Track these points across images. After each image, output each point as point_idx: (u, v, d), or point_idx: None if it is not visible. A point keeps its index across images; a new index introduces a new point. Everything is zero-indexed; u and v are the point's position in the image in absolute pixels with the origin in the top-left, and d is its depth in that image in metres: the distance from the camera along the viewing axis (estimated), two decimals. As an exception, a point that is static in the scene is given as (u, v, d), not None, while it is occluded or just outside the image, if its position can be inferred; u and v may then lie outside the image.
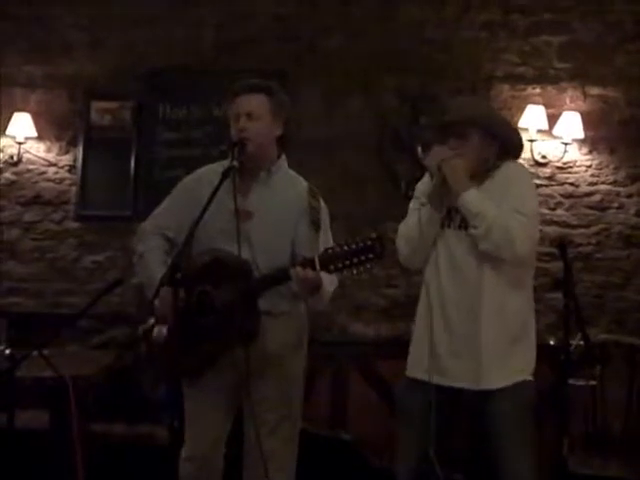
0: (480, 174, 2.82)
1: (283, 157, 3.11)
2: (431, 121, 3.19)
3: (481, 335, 2.71)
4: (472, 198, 2.74)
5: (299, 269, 2.70)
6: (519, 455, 2.65)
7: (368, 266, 2.68)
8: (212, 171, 3.07)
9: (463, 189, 2.75)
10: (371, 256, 2.65)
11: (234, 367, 2.91)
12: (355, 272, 2.69)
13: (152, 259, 3.03)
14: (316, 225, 2.87)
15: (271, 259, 2.89)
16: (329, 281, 2.82)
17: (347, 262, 2.66)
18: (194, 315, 2.88)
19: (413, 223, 2.86)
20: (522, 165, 3.04)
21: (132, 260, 3.15)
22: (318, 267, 2.68)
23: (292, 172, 3.13)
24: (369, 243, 2.65)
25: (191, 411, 3.04)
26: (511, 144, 2.90)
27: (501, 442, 2.68)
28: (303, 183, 3.07)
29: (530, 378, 2.77)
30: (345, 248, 2.67)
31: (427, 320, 2.81)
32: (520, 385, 2.72)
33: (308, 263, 2.70)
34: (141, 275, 3.08)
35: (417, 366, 2.85)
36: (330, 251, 2.69)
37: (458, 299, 2.77)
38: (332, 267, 2.68)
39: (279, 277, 2.81)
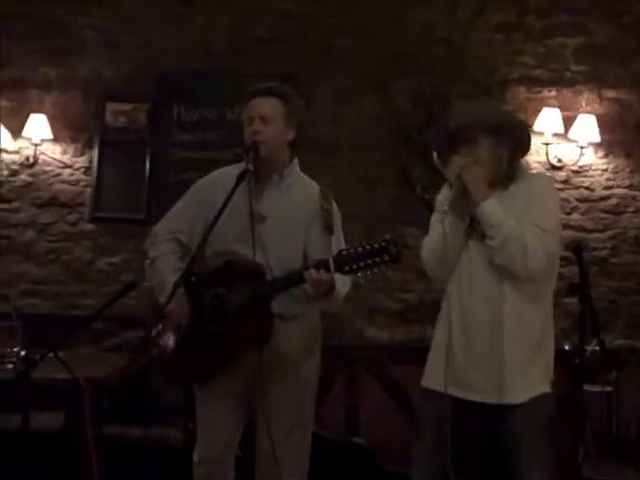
0: (503, 178, 2.78)
1: (295, 161, 3.11)
2: (437, 132, 3.13)
3: (504, 348, 2.66)
4: (491, 209, 2.70)
5: (313, 271, 2.71)
6: (535, 471, 2.62)
7: (383, 268, 2.67)
8: (226, 174, 3.08)
9: (483, 198, 2.71)
10: (386, 258, 2.64)
11: (246, 371, 2.91)
12: (369, 274, 2.68)
13: (164, 265, 3.03)
14: (329, 228, 2.87)
15: (284, 262, 2.89)
16: (342, 283, 2.82)
17: (362, 264, 2.65)
18: (207, 318, 2.88)
19: (437, 234, 2.81)
20: (550, 178, 3.00)
21: (145, 263, 3.16)
22: (332, 269, 2.68)
23: (304, 175, 3.14)
24: (384, 245, 2.64)
25: (202, 415, 3.04)
26: (520, 136, 2.84)
27: (518, 458, 2.65)
28: (315, 186, 3.07)
29: (548, 390, 2.73)
30: (360, 250, 2.66)
31: (446, 331, 2.77)
32: (539, 399, 2.68)
33: (322, 265, 2.70)
34: (152, 280, 3.08)
35: (434, 376, 2.79)
36: (345, 252, 2.68)
37: (479, 311, 2.72)
38: (347, 268, 2.68)
39: (293, 279, 2.81)
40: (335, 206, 3.00)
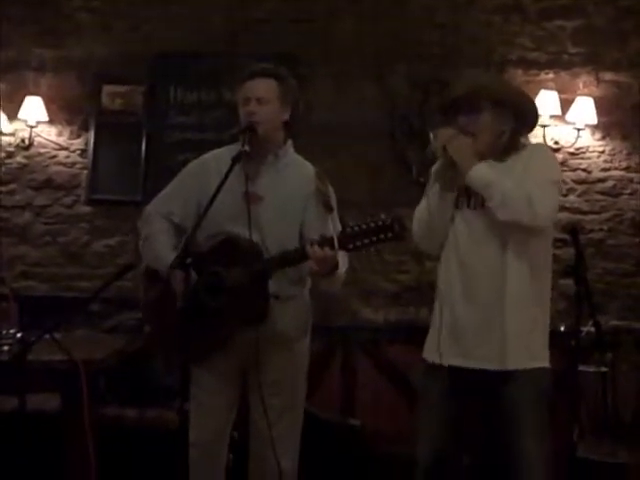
0: (501, 150, 2.76)
1: (289, 142, 3.11)
2: (438, 101, 3.09)
3: (506, 317, 2.66)
4: (481, 172, 2.67)
5: (317, 248, 2.69)
6: (533, 438, 2.62)
7: (387, 243, 2.66)
8: (218, 156, 3.09)
9: (470, 166, 2.69)
10: (390, 235, 2.63)
11: (240, 351, 2.93)
12: (373, 249, 2.68)
13: (158, 241, 3.04)
14: (328, 207, 2.86)
15: (280, 242, 2.90)
16: (342, 262, 2.82)
17: (366, 241, 2.65)
18: (204, 296, 2.88)
19: (424, 205, 2.81)
20: (545, 146, 2.99)
21: (138, 243, 3.16)
22: (337, 245, 2.67)
23: (299, 156, 3.14)
24: (388, 222, 2.63)
25: (196, 396, 3.05)
26: (525, 112, 2.80)
27: (514, 426, 2.65)
28: (310, 167, 3.07)
29: (547, 365, 2.74)
30: (364, 227, 2.65)
31: (448, 302, 2.76)
32: (538, 371, 2.69)
33: (326, 242, 2.69)
34: (148, 257, 3.09)
35: (435, 349, 2.76)
36: (349, 230, 2.67)
37: (481, 281, 2.71)
38: (351, 246, 2.67)
39: (295, 256, 2.80)
40: (330, 187, 3.00)
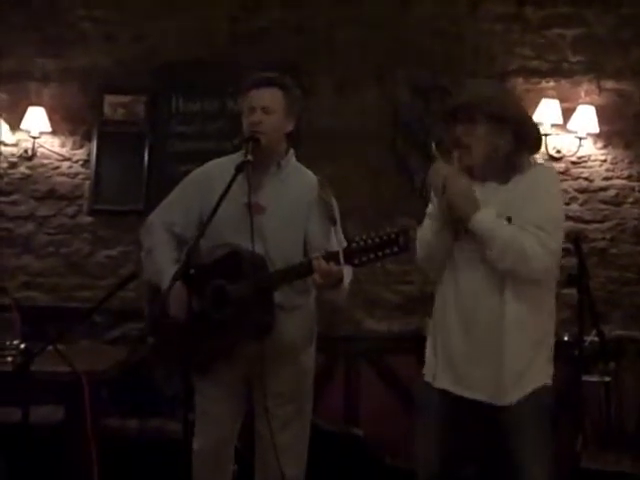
0: (501, 171, 2.68)
1: (291, 151, 3.11)
2: (440, 108, 3.05)
3: (504, 351, 2.62)
4: (483, 220, 2.60)
5: (323, 262, 2.68)
6: (534, 464, 2.59)
7: (392, 257, 2.65)
8: (220, 165, 3.09)
9: (472, 211, 2.61)
10: (396, 249, 2.61)
11: (245, 362, 2.92)
12: (379, 264, 2.68)
13: (160, 255, 3.04)
14: (332, 219, 2.86)
15: (284, 252, 2.89)
16: (347, 274, 2.81)
17: (372, 255, 2.64)
18: (209, 309, 2.88)
19: (426, 228, 2.77)
20: (553, 170, 2.87)
21: (140, 255, 3.16)
22: (342, 261, 2.67)
23: (301, 165, 3.13)
24: (393, 237, 2.61)
25: (200, 406, 3.05)
26: (525, 131, 2.71)
27: (516, 452, 2.62)
28: (312, 176, 3.07)
29: (548, 382, 2.69)
30: (369, 242, 2.64)
31: (444, 329, 2.74)
32: (537, 393, 2.65)
33: (332, 257, 2.69)
34: (150, 271, 3.08)
35: (434, 373, 2.77)
36: (354, 245, 2.66)
37: (479, 312, 2.66)
38: (356, 261, 2.66)
39: (300, 270, 2.79)
40: (333, 196, 2.99)
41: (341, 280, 2.75)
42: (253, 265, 2.86)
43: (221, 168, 3.05)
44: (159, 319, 2.96)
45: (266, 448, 2.98)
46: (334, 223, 2.84)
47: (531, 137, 2.75)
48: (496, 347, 2.63)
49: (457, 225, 2.69)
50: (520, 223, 2.60)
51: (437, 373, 2.75)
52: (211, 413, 3.03)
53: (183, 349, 2.76)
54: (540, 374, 2.69)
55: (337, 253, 2.68)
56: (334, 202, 2.95)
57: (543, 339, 2.71)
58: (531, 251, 2.55)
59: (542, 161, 4.85)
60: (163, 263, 3.00)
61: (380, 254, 2.63)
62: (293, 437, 3.01)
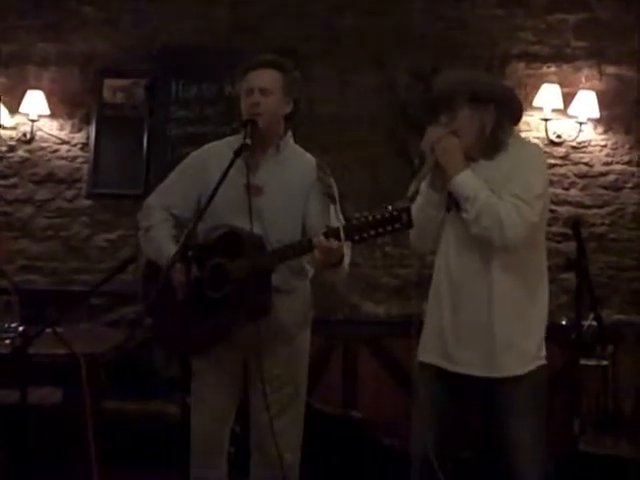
0: (487, 147, 2.71)
1: (289, 133, 3.09)
2: (422, 101, 3.09)
3: (494, 324, 2.65)
4: (464, 181, 2.64)
5: (323, 239, 2.67)
6: (527, 441, 2.62)
7: (394, 234, 2.63)
8: (217, 148, 3.08)
9: (456, 171, 2.66)
10: (398, 226, 2.58)
11: (242, 345, 2.92)
12: (379, 239, 2.65)
13: (159, 232, 3.03)
14: (331, 198, 2.84)
15: (283, 233, 2.88)
16: (345, 254, 2.79)
17: (372, 232, 2.61)
18: (207, 287, 2.87)
19: (417, 205, 2.79)
20: (537, 146, 2.91)
21: (138, 235, 3.16)
22: (343, 237, 2.64)
23: (299, 148, 3.12)
24: (396, 214, 2.58)
25: (197, 390, 3.05)
26: (507, 103, 2.74)
27: (510, 429, 2.65)
28: (311, 158, 3.05)
29: (542, 362, 2.71)
30: (370, 218, 2.61)
31: (438, 306, 2.78)
32: (534, 372, 2.67)
33: (332, 233, 2.66)
34: (148, 249, 3.07)
35: (426, 350, 2.83)
36: (355, 221, 2.63)
37: (468, 286, 2.70)
38: (357, 237, 2.63)
39: (302, 248, 2.77)
40: (332, 178, 2.98)
41: (341, 259, 2.74)
42: (252, 244, 2.85)
43: (218, 151, 3.04)
44: (156, 300, 2.96)
45: (263, 433, 2.98)
46: (334, 201, 2.83)
47: (512, 106, 2.78)
48: (486, 322, 2.66)
49: (445, 187, 2.71)
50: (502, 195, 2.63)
51: (430, 349, 2.79)
52: (208, 397, 3.02)
53: (180, 329, 2.76)
54: (533, 352, 2.70)
55: (337, 229, 2.65)
56: (333, 183, 2.94)
57: (533, 314, 2.72)
58: (507, 218, 2.57)
59: (542, 145, 4.86)
60: (162, 239, 3.00)
61: (381, 230, 2.60)
62: (289, 420, 3.01)
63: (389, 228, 2.59)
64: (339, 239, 2.65)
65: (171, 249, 2.84)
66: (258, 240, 2.86)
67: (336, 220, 2.77)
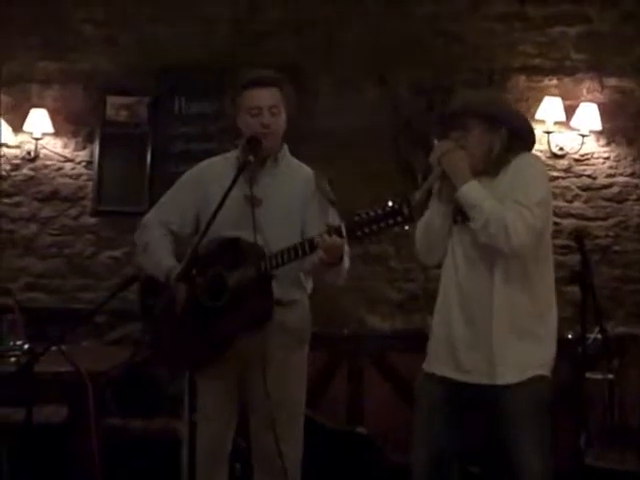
0: (492, 167, 2.76)
1: (285, 146, 3.10)
2: (433, 117, 3.12)
3: (493, 330, 2.67)
4: (470, 190, 2.68)
5: (326, 236, 2.66)
6: (530, 451, 2.62)
7: (396, 229, 2.61)
8: (215, 164, 3.10)
9: (462, 181, 2.70)
10: (399, 219, 2.57)
11: (240, 359, 2.90)
12: (382, 235, 2.65)
13: (158, 247, 3.03)
14: (331, 201, 2.85)
15: (282, 244, 2.84)
16: (345, 253, 2.79)
17: (374, 227, 2.60)
18: (207, 298, 2.87)
19: (426, 218, 2.84)
20: (536, 156, 2.93)
21: (136, 251, 3.15)
22: (345, 233, 2.64)
23: (295, 159, 3.13)
24: (396, 207, 2.57)
25: (199, 406, 3.03)
26: (519, 131, 2.78)
27: (513, 440, 2.65)
28: (308, 169, 3.07)
29: (544, 373, 2.71)
30: (371, 214, 2.60)
31: (445, 315, 2.79)
32: (534, 380, 2.68)
33: (334, 230, 2.66)
34: (147, 264, 3.06)
35: (435, 361, 2.82)
36: (357, 218, 2.62)
37: (474, 294, 2.72)
38: (359, 233, 2.62)
39: (303, 249, 2.76)
40: (329, 188, 2.98)
41: (342, 257, 2.75)
42: (252, 253, 2.85)
43: (216, 167, 3.07)
44: (159, 316, 2.96)
45: (265, 452, 2.95)
46: (333, 203, 2.84)
47: (524, 133, 2.82)
48: (487, 331, 2.68)
49: (452, 198, 2.74)
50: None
51: (437, 360, 2.80)
52: (206, 410, 2.99)
53: (180, 344, 2.75)
54: (535, 362, 2.71)
55: (339, 226, 2.65)
56: (331, 190, 2.94)
57: (537, 326, 2.73)
58: (511, 224, 2.59)
59: (545, 158, 4.86)
60: (161, 254, 3.00)
61: (383, 225, 2.58)
62: (291, 440, 2.97)
63: (391, 222, 2.58)
64: (341, 236, 2.65)
65: (170, 262, 2.88)
66: (257, 248, 2.86)
67: (337, 221, 2.77)
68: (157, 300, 2.93)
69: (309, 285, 3.07)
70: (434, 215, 2.82)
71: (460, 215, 2.77)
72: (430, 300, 2.96)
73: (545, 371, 2.72)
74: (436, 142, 2.82)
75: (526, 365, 2.69)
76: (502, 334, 2.67)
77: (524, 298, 2.70)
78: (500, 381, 2.67)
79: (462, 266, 2.77)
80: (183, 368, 2.85)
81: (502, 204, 2.65)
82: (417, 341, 4.35)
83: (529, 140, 2.85)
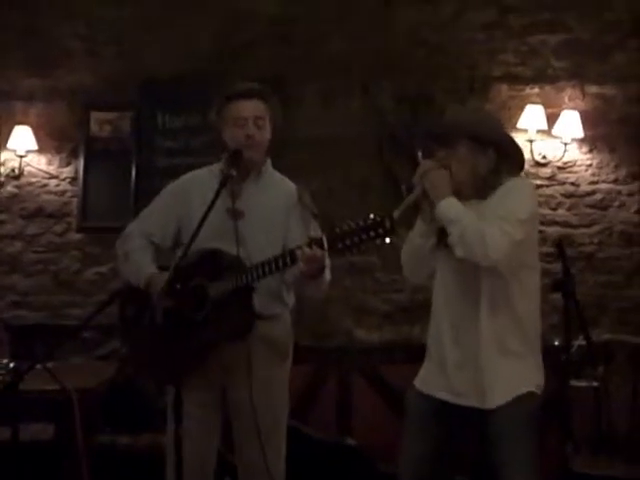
0: (480, 190, 2.74)
1: (269, 160, 3.12)
2: (423, 130, 3.12)
3: (481, 352, 2.67)
4: (449, 206, 2.65)
5: (306, 249, 2.67)
6: (516, 471, 2.61)
7: (378, 242, 2.61)
8: (199, 176, 3.12)
9: (441, 199, 2.66)
10: (381, 231, 2.58)
11: (223, 368, 2.91)
12: (363, 249, 2.64)
13: (138, 256, 3.05)
14: (313, 214, 2.86)
15: (264, 256, 2.85)
16: (326, 265, 2.80)
17: (356, 239, 2.60)
18: (188, 310, 2.86)
19: (409, 236, 2.84)
20: (526, 181, 2.88)
21: (117, 260, 3.15)
22: (326, 245, 2.65)
23: (278, 173, 3.15)
24: (379, 220, 2.58)
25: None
26: (507, 153, 2.76)
27: (501, 459, 2.64)
28: (290, 183, 3.10)
29: (532, 389, 2.70)
30: (353, 226, 2.61)
31: (436, 337, 2.80)
32: (522, 398, 2.67)
33: (315, 242, 2.67)
34: (127, 272, 3.07)
35: (426, 380, 2.83)
36: (337, 230, 2.64)
37: (462, 318, 2.72)
38: (340, 245, 2.62)
39: (283, 261, 2.76)
40: (311, 200, 2.98)
41: (323, 269, 2.76)
42: (232, 265, 2.86)
43: (199, 179, 3.09)
44: (137, 326, 2.95)
45: (249, 466, 2.97)
46: (315, 216, 2.85)
47: (513, 156, 2.79)
48: (475, 354, 2.68)
49: (433, 222, 2.73)
50: None
51: (430, 380, 2.80)
52: (190, 421, 2.95)
53: (162, 354, 2.74)
54: (523, 381, 2.70)
55: (321, 238, 2.66)
56: (313, 204, 2.95)
57: (525, 343, 2.72)
58: (489, 236, 2.56)
59: (528, 167, 4.87)
60: (141, 262, 3.02)
61: (365, 237, 2.59)
62: (273, 453, 2.96)
63: (372, 234, 2.58)
64: (322, 248, 2.66)
65: (151, 270, 2.93)
66: (239, 261, 2.86)
67: (318, 233, 2.77)
68: (136, 311, 2.94)
69: (291, 300, 3.08)
70: (416, 233, 2.82)
71: (444, 240, 2.74)
72: (417, 311, 2.97)
73: (533, 388, 2.71)
74: (420, 158, 2.82)
75: (514, 385, 2.68)
76: (490, 357, 2.67)
77: (509, 320, 2.69)
78: (489, 405, 2.66)
79: (450, 290, 2.77)
80: (165, 379, 2.85)
81: (480, 218, 2.63)
82: (405, 352, 4.38)
83: (517, 162, 2.82)
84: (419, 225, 2.82)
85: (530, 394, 2.69)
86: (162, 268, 2.99)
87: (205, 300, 2.86)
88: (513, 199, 2.68)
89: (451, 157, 2.73)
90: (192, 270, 2.89)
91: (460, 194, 2.71)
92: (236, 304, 2.85)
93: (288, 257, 2.75)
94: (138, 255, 3.06)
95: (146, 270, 2.97)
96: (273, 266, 2.79)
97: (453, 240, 2.64)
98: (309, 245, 2.68)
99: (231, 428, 3.05)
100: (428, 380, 2.82)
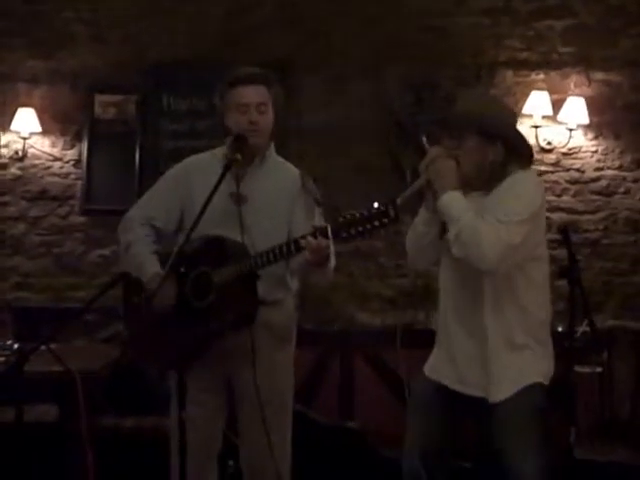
0: (486, 183, 2.70)
1: (272, 144, 3.11)
2: (431, 117, 3.09)
3: (488, 345, 2.67)
4: (450, 200, 2.61)
5: (311, 238, 2.67)
6: (522, 460, 2.61)
7: (382, 231, 2.61)
8: (202, 160, 3.10)
9: (444, 190, 2.63)
10: (385, 220, 2.57)
11: (227, 354, 2.90)
12: (367, 237, 2.65)
13: (140, 250, 3.02)
14: (317, 201, 2.86)
15: (268, 242, 2.85)
16: (331, 253, 2.80)
17: (360, 228, 2.60)
18: (191, 297, 2.86)
19: (412, 225, 2.83)
20: (532, 174, 2.83)
21: (119, 251, 3.13)
22: (330, 235, 2.65)
23: (282, 159, 3.14)
24: (382, 208, 2.57)
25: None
26: (515, 146, 2.70)
27: (507, 448, 2.64)
28: (294, 168, 3.08)
29: (539, 380, 2.70)
30: (357, 215, 2.61)
31: (444, 328, 2.80)
32: (529, 389, 2.67)
33: (320, 231, 2.67)
34: (130, 264, 3.04)
35: (436, 368, 2.84)
36: (342, 219, 2.63)
37: (468, 309, 2.72)
38: (345, 234, 2.62)
39: (288, 249, 2.76)
40: (315, 186, 2.97)
41: (328, 257, 2.75)
42: (236, 251, 2.85)
43: (202, 163, 3.07)
44: (138, 314, 2.95)
45: (253, 450, 2.97)
46: (319, 205, 2.84)
47: (521, 150, 2.74)
48: (481, 347, 2.68)
49: (436, 212, 2.71)
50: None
51: (439, 368, 2.81)
52: (193, 407, 2.96)
53: (163, 343, 2.74)
54: (530, 372, 2.70)
55: (326, 227, 2.66)
56: (317, 190, 2.94)
57: (531, 334, 2.71)
58: (485, 238, 2.53)
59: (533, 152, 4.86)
60: (143, 257, 2.99)
61: (369, 226, 2.58)
62: (275, 438, 2.95)
63: (376, 223, 2.58)
64: (327, 237, 2.65)
65: (154, 268, 2.89)
66: (242, 246, 2.85)
67: (322, 221, 2.77)
68: (141, 298, 2.93)
69: (294, 285, 3.07)
70: (419, 221, 2.80)
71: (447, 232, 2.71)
72: (421, 296, 2.97)
73: (540, 378, 2.71)
74: (426, 144, 2.78)
75: (521, 376, 2.68)
76: (496, 351, 2.66)
77: (515, 313, 2.68)
78: (495, 398, 2.66)
79: (455, 281, 2.77)
80: (169, 365, 2.85)
81: (479, 216, 2.60)
82: (408, 337, 4.38)
83: (526, 156, 2.77)
84: (422, 213, 2.79)
85: (537, 384, 2.69)
86: (165, 254, 2.97)
87: (209, 287, 2.86)
88: (515, 196, 2.63)
89: (459, 148, 2.69)
90: (196, 256, 2.88)
91: (465, 186, 2.68)
92: (240, 291, 2.84)
93: (293, 246, 2.75)
94: (139, 249, 3.02)
95: (149, 269, 2.92)
96: (278, 254, 2.78)
97: (450, 237, 2.62)
98: (314, 235, 2.67)
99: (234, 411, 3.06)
100: (438, 367, 2.82)
